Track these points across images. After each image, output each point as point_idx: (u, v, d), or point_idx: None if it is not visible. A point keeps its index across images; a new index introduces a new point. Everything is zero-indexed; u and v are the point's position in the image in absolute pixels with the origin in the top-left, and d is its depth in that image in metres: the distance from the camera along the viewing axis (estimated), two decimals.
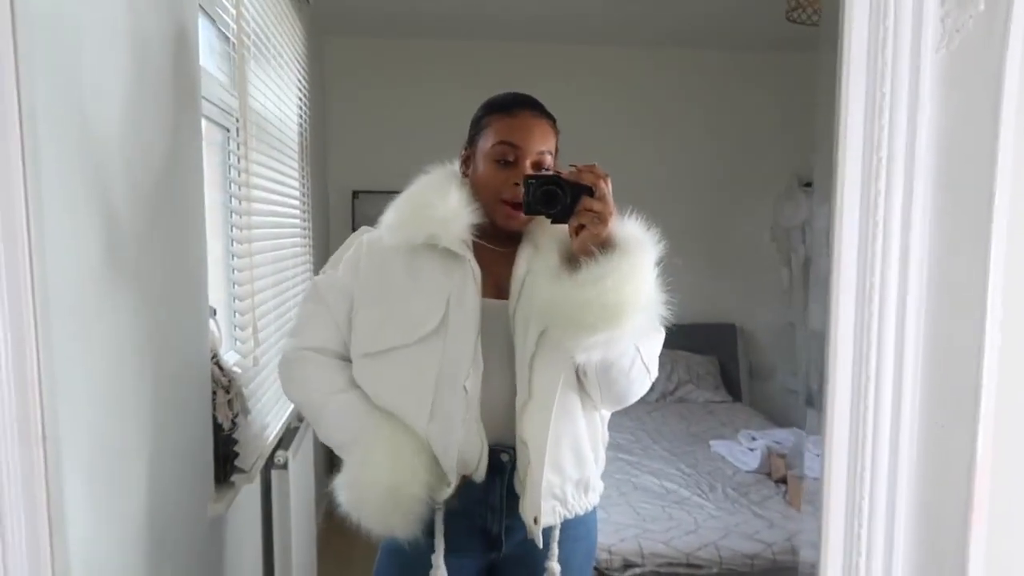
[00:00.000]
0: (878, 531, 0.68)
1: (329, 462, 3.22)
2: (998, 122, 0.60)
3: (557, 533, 1.36)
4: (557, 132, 1.36)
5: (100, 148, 1.12)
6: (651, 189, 4.25)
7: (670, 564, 2.37)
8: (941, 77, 0.64)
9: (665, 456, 3.26)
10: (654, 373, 1.33)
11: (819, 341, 0.68)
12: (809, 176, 4.43)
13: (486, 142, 1.32)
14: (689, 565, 2.38)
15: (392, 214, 1.34)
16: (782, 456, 3.00)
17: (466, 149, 1.39)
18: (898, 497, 0.67)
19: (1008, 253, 0.62)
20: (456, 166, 1.40)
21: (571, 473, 1.33)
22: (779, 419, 4.17)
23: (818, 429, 0.70)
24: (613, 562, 2.36)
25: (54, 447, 0.86)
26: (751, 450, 3.15)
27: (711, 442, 3.41)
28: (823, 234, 0.67)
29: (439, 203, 1.30)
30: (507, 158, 1.30)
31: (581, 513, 1.38)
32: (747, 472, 3.05)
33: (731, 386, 4.35)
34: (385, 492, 1.26)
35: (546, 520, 1.31)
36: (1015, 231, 0.62)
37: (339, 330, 1.36)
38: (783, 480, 2.91)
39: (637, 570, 2.36)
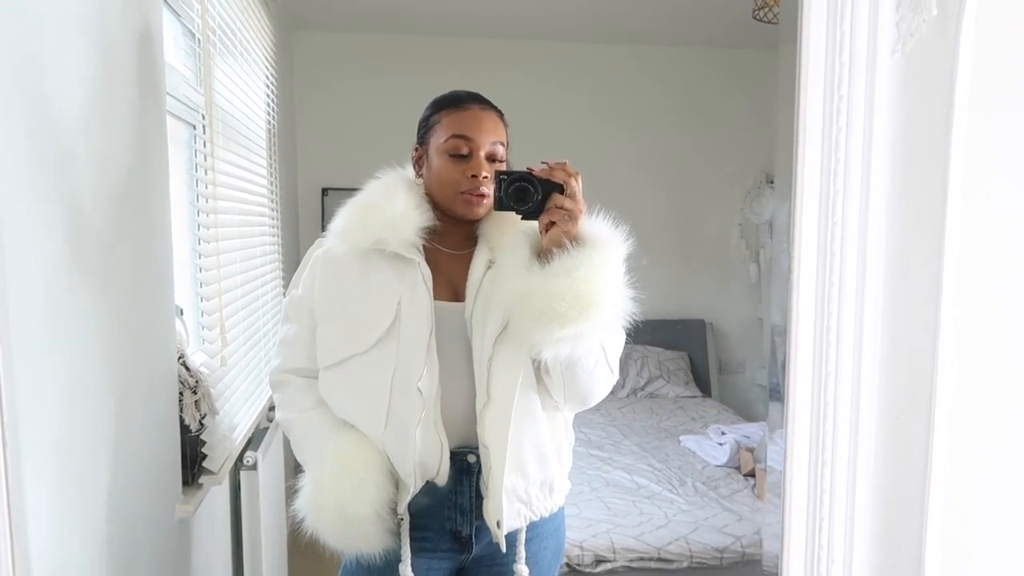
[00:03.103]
0: (838, 521, 0.70)
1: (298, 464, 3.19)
2: (951, 123, 0.62)
3: (523, 535, 1.36)
4: (506, 124, 1.37)
5: (62, 144, 1.10)
6: (621, 186, 4.28)
7: (641, 559, 2.40)
8: (896, 80, 0.66)
9: (636, 451, 3.29)
10: (616, 373, 1.34)
11: (782, 336, 0.69)
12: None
13: (438, 138, 1.32)
14: (660, 559, 2.40)
15: (340, 220, 1.34)
16: (751, 450, 3.05)
17: (417, 149, 1.39)
18: (858, 488, 0.69)
19: (961, 251, 0.63)
20: (407, 170, 1.40)
21: (534, 475, 1.33)
22: (748, 413, 4.23)
23: (781, 423, 0.71)
24: (584, 558, 2.37)
25: (15, 451, 0.85)
26: (720, 444, 3.19)
27: (681, 437, 3.44)
28: (784, 232, 0.68)
29: (386, 206, 1.29)
30: (461, 151, 1.30)
31: (547, 515, 1.39)
32: (716, 466, 3.09)
33: (701, 381, 4.39)
34: (335, 514, 1.26)
35: (510, 523, 1.31)
36: (968, 230, 0.63)
37: (309, 348, 1.37)
38: (752, 474, 2.95)
39: (609, 565, 2.38)
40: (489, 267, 1.32)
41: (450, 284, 1.34)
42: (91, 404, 1.20)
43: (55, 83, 1.08)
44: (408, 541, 1.32)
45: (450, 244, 1.35)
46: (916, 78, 0.65)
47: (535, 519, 1.37)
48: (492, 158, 1.32)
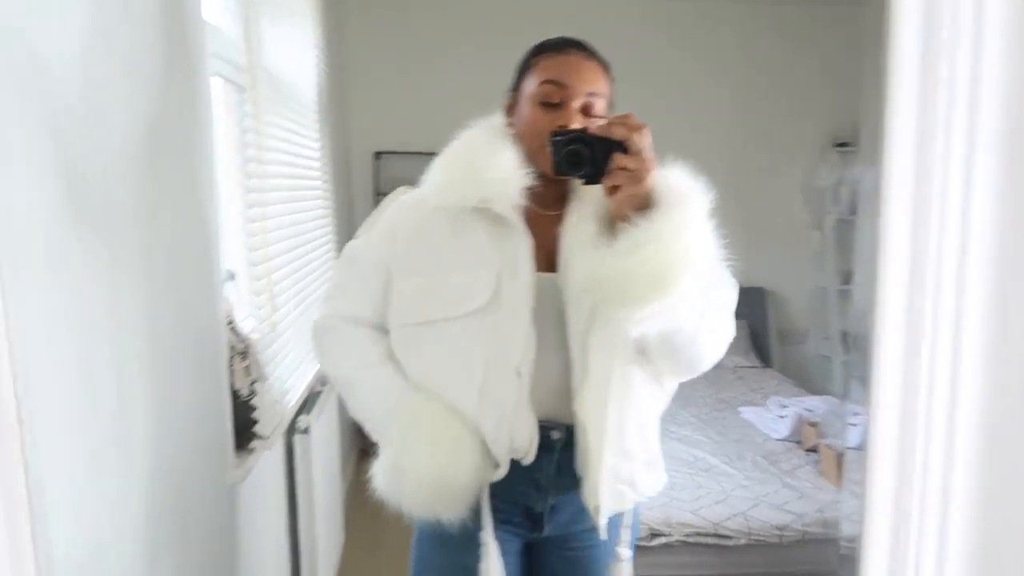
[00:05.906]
0: (931, 511, 0.62)
1: (357, 427, 3.18)
2: None
3: (628, 519, 1.28)
4: (611, 79, 1.25)
5: (87, 113, 1.06)
6: (681, 148, 4.11)
7: (698, 534, 2.34)
8: (1010, 19, 0.56)
9: (693, 423, 3.21)
10: (730, 331, 1.22)
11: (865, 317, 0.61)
12: (843, 136, 4.28)
13: (531, 83, 1.22)
14: (717, 535, 2.34)
15: (439, 174, 1.23)
16: (813, 424, 2.93)
17: (510, 95, 1.28)
18: (953, 483, 0.61)
19: None
20: (494, 119, 1.28)
21: (639, 454, 1.24)
22: (810, 386, 4.08)
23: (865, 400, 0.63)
24: (640, 531, 2.33)
25: (30, 432, 0.80)
26: (781, 417, 3.09)
27: (740, 409, 3.35)
28: (869, 198, 0.59)
29: (492, 163, 1.18)
30: (552, 99, 1.19)
31: (652, 495, 1.30)
32: (777, 440, 2.99)
33: (761, 351, 4.27)
34: (430, 480, 1.18)
35: (612, 506, 1.22)
36: None
37: (373, 298, 1.28)
38: (814, 449, 2.84)
39: (664, 539, 2.33)
40: None
41: (543, 251, 1.22)
42: (131, 373, 1.17)
43: (77, 46, 1.04)
44: (489, 509, 1.24)
45: (543, 203, 1.23)
46: None
47: (641, 500, 1.28)
48: (587, 111, 1.20)
